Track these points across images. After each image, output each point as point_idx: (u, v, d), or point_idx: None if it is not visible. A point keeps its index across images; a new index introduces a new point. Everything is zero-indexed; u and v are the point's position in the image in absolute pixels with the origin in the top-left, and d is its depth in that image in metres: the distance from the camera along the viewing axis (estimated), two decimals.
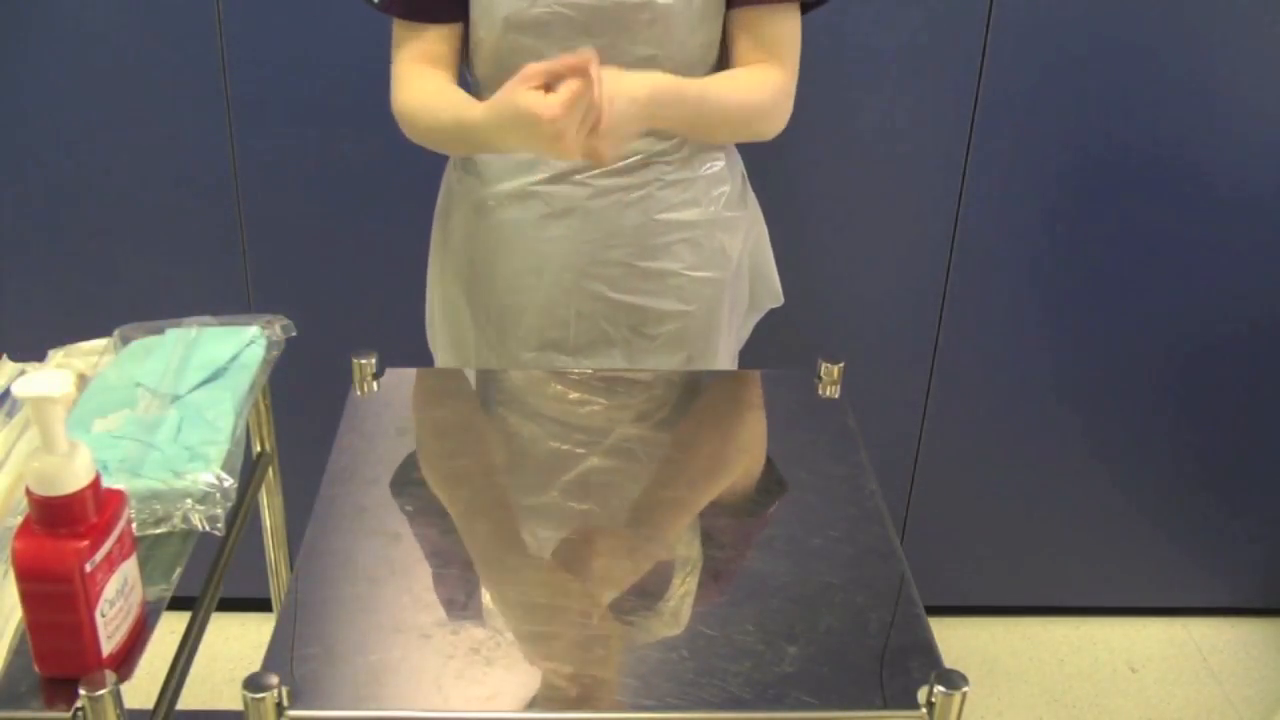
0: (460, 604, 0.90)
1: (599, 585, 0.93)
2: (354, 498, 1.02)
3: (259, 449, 1.25)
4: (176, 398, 1.07)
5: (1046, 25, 1.76)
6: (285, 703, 0.78)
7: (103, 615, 0.80)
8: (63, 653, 0.80)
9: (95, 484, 0.80)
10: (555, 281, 1.33)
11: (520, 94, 1.09)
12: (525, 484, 1.07)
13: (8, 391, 1.09)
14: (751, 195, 1.44)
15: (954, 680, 0.79)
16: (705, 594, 0.92)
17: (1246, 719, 2.05)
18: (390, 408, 1.17)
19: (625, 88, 1.12)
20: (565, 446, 1.11)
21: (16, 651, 0.83)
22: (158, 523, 0.95)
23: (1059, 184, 1.88)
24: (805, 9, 1.30)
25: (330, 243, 1.87)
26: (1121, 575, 2.21)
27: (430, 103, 1.27)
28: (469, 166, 1.37)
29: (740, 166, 1.42)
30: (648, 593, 0.92)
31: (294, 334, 1.20)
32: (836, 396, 1.20)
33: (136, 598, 0.85)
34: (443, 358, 1.49)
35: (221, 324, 1.19)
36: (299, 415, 1.44)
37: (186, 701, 0.95)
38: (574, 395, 1.20)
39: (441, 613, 0.88)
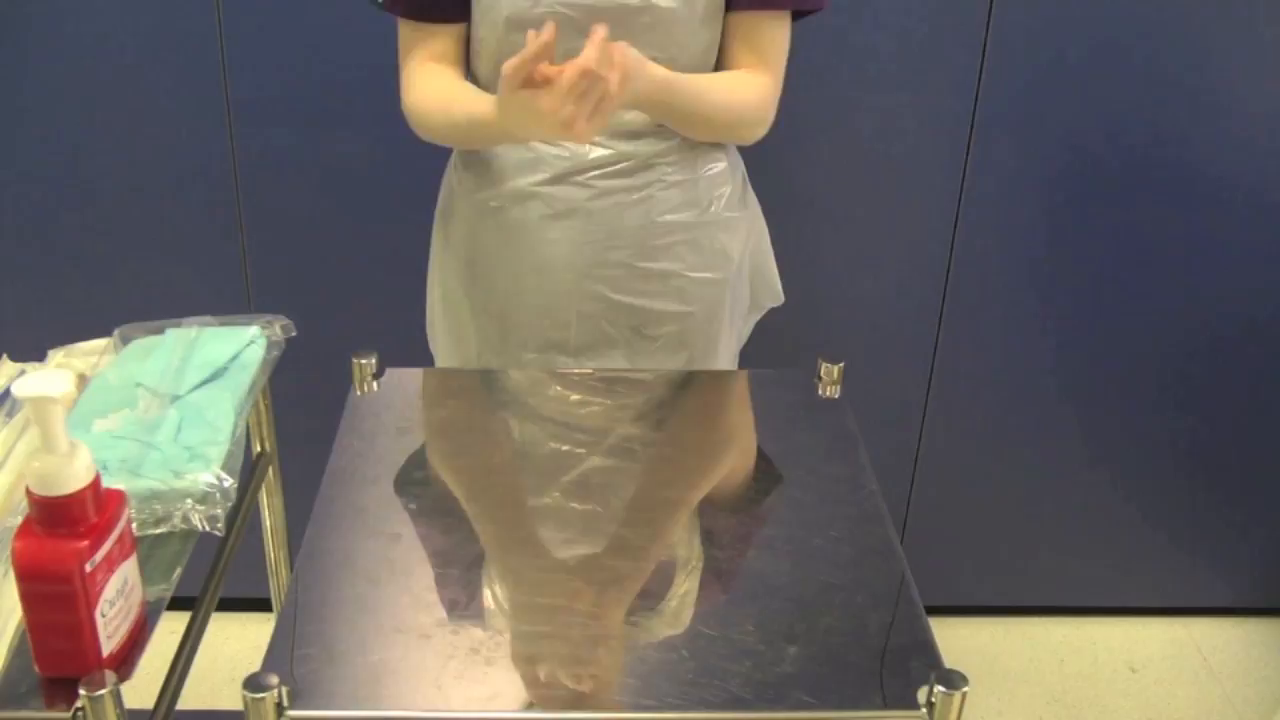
0: (460, 604, 0.90)
1: (599, 585, 0.93)
2: (354, 498, 1.02)
3: (259, 449, 1.25)
4: (176, 398, 1.07)
5: (1046, 26, 1.76)
6: (285, 703, 0.78)
7: (103, 615, 0.80)
8: (63, 653, 0.80)
9: (95, 484, 0.80)
10: (556, 282, 1.33)
11: (519, 97, 1.10)
12: (526, 484, 1.07)
13: (8, 391, 1.09)
14: (752, 196, 1.44)
15: (954, 680, 0.79)
16: (705, 594, 0.92)
17: (1246, 719, 2.05)
18: (390, 408, 1.17)
19: (647, 70, 1.15)
20: (566, 447, 1.11)
21: (16, 651, 0.83)
22: (158, 523, 0.95)
23: (1059, 184, 1.88)
24: (796, 18, 1.31)
25: (330, 243, 1.87)
26: (1121, 575, 2.21)
27: (443, 101, 1.28)
28: (470, 167, 1.37)
29: (741, 167, 1.42)
30: (648, 593, 0.92)
31: (294, 334, 1.21)
32: (836, 396, 1.20)
33: (136, 598, 0.85)
34: (443, 358, 1.49)
35: (221, 324, 1.20)
36: (299, 415, 1.44)
37: (186, 701, 0.95)
38: (574, 395, 1.20)
39: (441, 613, 0.88)
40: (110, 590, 0.81)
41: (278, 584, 1.37)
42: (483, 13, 1.25)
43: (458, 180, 1.39)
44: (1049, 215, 1.90)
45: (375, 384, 1.19)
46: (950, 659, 0.83)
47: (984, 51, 1.78)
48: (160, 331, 1.18)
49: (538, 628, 0.88)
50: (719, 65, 1.31)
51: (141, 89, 1.76)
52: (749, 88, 1.29)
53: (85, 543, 0.78)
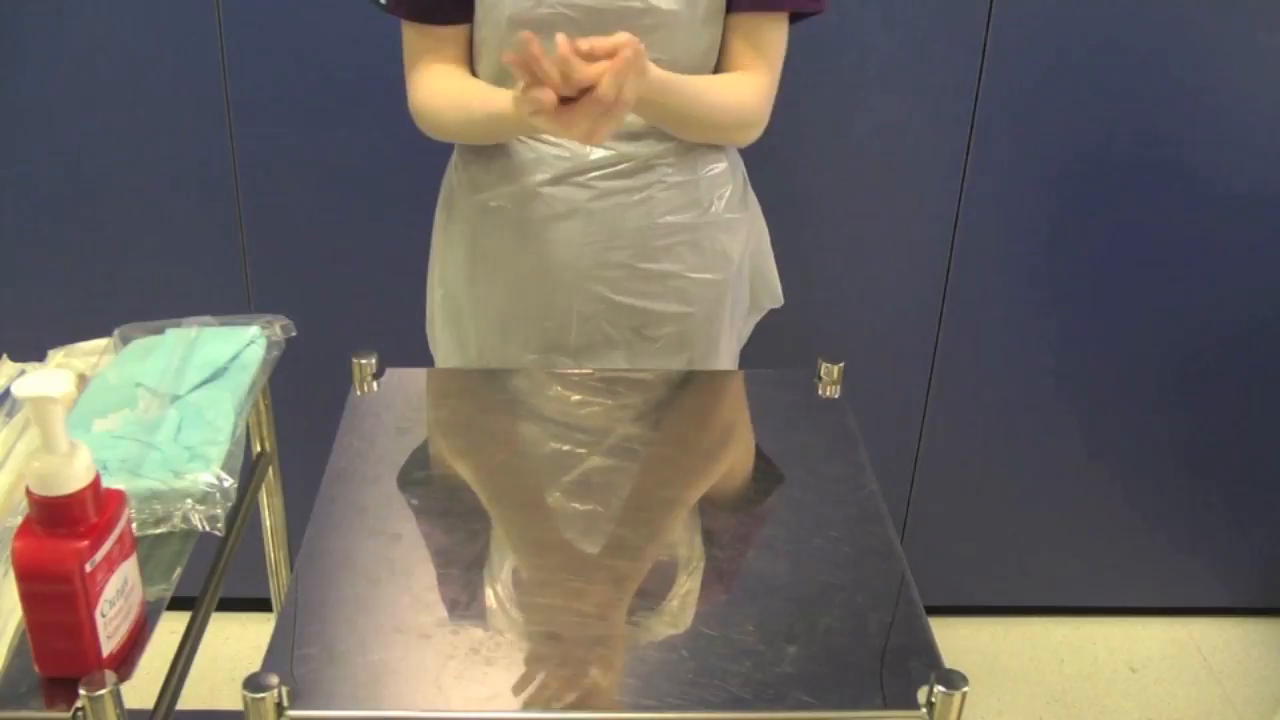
0: (460, 604, 0.90)
1: (599, 585, 0.93)
2: (354, 498, 1.02)
3: (259, 449, 1.25)
4: (176, 398, 1.07)
5: (1046, 25, 1.76)
6: (285, 703, 0.78)
7: (103, 615, 0.80)
8: (63, 653, 0.80)
9: (95, 484, 0.80)
10: (557, 283, 1.33)
11: (532, 116, 1.11)
12: (526, 484, 1.07)
13: (8, 391, 1.09)
14: (752, 196, 1.44)
15: (954, 680, 0.79)
16: (706, 594, 0.92)
17: (1246, 719, 2.05)
18: (390, 408, 1.17)
19: (649, 71, 1.15)
20: (566, 447, 1.11)
21: (16, 651, 0.83)
22: (158, 523, 0.95)
23: (1059, 184, 1.88)
24: (794, 20, 1.31)
25: (330, 243, 1.87)
26: (1121, 575, 2.21)
27: (459, 99, 1.28)
28: (470, 167, 1.37)
29: (741, 168, 1.42)
30: (648, 593, 0.92)
31: (294, 334, 1.21)
32: (836, 396, 1.20)
33: (136, 598, 0.85)
34: (443, 358, 1.49)
35: (221, 324, 1.20)
36: (299, 415, 1.44)
37: (186, 701, 0.95)
38: (575, 396, 1.20)
39: (441, 613, 0.88)
40: (110, 590, 0.81)
41: (278, 584, 1.37)
42: (485, 12, 1.25)
43: (458, 180, 1.39)
44: (1049, 215, 1.90)
45: (375, 384, 1.19)
46: (950, 659, 0.83)
47: (984, 51, 1.78)
48: (160, 331, 1.18)
49: (538, 628, 0.88)
50: (715, 67, 1.31)
51: (141, 89, 1.76)
52: (745, 89, 1.29)
53: (85, 543, 0.78)
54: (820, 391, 1.20)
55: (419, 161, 1.46)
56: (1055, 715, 2.05)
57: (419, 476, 1.07)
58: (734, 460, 1.14)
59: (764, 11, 1.27)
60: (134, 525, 0.88)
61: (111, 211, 1.83)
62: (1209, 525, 2.16)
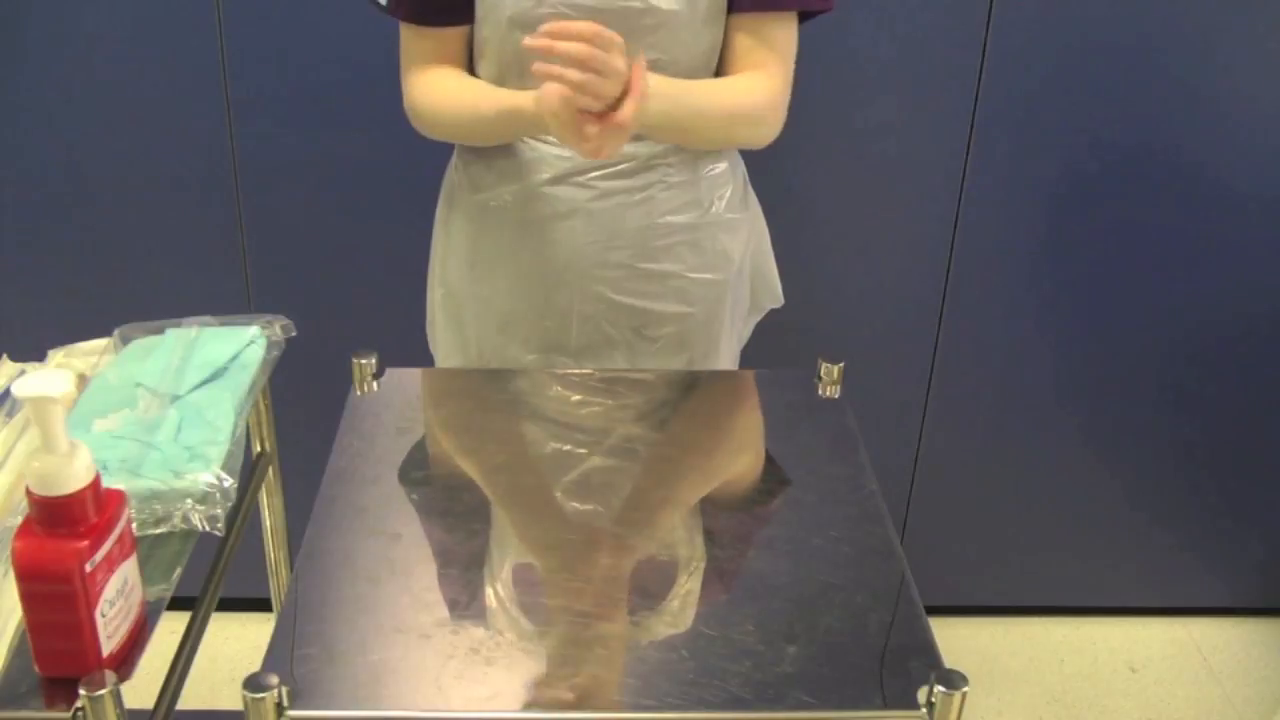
0: (460, 604, 0.90)
1: (599, 585, 0.93)
2: (354, 498, 1.02)
3: (259, 449, 1.25)
4: (176, 398, 1.07)
5: (1046, 25, 1.76)
6: (285, 703, 0.78)
7: (103, 615, 0.80)
8: (63, 653, 0.80)
9: (95, 484, 0.80)
10: (557, 283, 1.33)
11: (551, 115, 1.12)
12: (526, 484, 1.07)
13: (8, 391, 1.09)
14: (753, 196, 1.44)
15: (954, 680, 0.79)
16: (705, 594, 0.92)
17: (1246, 719, 2.05)
18: (390, 408, 1.17)
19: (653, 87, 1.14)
20: (566, 447, 1.11)
21: (16, 651, 0.83)
22: (158, 523, 0.95)
23: (1059, 184, 1.88)
24: (803, 19, 1.30)
25: (330, 243, 1.87)
26: (1121, 575, 2.21)
27: (464, 98, 1.28)
28: (471, 167, 1.37)
29: (742, 168, 1.42)
30: (648, 593, 0.92)
31: (294, 334, 1.20)
32: (836, 396, 1.20)
33: (136, 598, 0.85)
34: (443, 358, 1.49)
35: (221, 324, 1.19)
36: (299, 415, 1.44)
37: (186, 701, 0.95)
38: (575, 396, 1.20)
39: (441, 613, 0.88)
40: (110, 590, 0.81)
41: (278, 584, 1.37)
42: (486, 12, 1.25)
43: (459, 180, 1.39)
44: (1049, 215, 1.90)
45: (375, 384, 1.19)
46: (950, 659, 0.83)
47: (984, 51, 1.78)
48: (160, 331, 1.18)
49: (538, 628, 0.88)
50: (725, 68, 1.30)
51: (142, 89, 1.76)
52: (755, 88, 1.28)
53: (85, 543, 0.78)
54: (820, 391, 1.20)
55: (419, 161, 1.46)
56: (1055, 715, 2.05)
57: (419, 476, 1.07)
58: (734, 460, 1.14)
59: (770, 11, 1.26)
60: (134, 525, 0.88)
61: (111, 211, 1.83)
62: (1209, 525, 2.16)
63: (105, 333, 1.19)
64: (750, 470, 1.12)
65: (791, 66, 1.31)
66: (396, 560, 0.94)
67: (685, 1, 1.23)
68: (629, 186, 1.30)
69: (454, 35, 1.30)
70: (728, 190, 1.36)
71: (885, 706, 0.80)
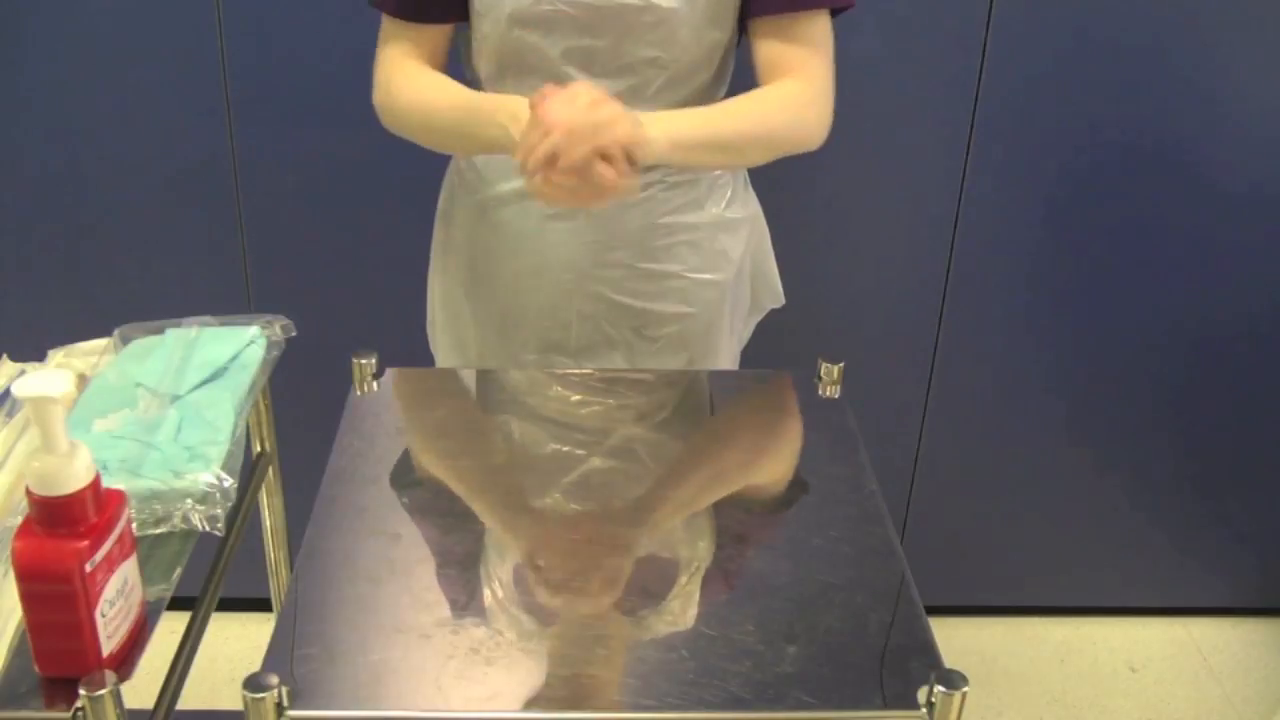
0: (460, 604, 0.90)
1: (599, 585, 0.93)
2: (354, 498, 1.02)
3: (259, 449, 1.25)
4: (176, 398, 1.07)
5: (1046, 25, 1.76)
6: (285, 703, 0.78)
7: (103, 615, 0.80)
8: (63, 653, 0.80)
9: (95, 484, 0.80)
10: (557, 283, 1.33)
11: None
12: (526, 484, 1.07)
13: (8, 391, 1.09)
14: (753, 197, 1.44)
15: (954, 680, 0.79)
16: (705, 594, 0.92)
17: (1246, 719, 2.05)
18: (390, 408, 1.17)
19: (649, 132, 1.12)
20: (566, 447, 1.11)
21: (16, 651, 0.83)
22: (158, 523, 0.95)
23: (1059, 184, 1.88)
24: (834, 13, 1.27)
25: (330, 243, 1.87)
26: (1121, 575, 2.21)
27: (439, 93, 1.26)
28: (471, 167, 1.36)
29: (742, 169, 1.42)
30: (648, 593, 0.92)
31: (294, 334, 1.20)
32: (836, 396, 1.20)
33: (136, 598, 0.85)
34: (443, 358, 1.49)
35: (221, 324, 1.19)
36: (299, 415, 1.44)
37: (186, 701, 0.95)
38: (575, 396, 1.20)
39: (441, 613, 0.88)
40: (110, 590, 0.81)
41: (278, 584, 1.37)
42: (486, 9, 1.25)
43: (459, 180, 1.39)
44: (1049, 215, 1.90)
45: (375, 384, 1.19)
46: (950, 659, 0.83)
47: (984, 51, 1.78)
48: (160, 331, 1.18)
49: (538, 628, 0.88)
50: (760, 75, 1.27)
51: (141, 88, 1.76)
52: (787, 101, 1.24)
53: (85, 543, 0.78)
54: (820, 391, 1.20)
55: (419, 161, 1.46)
56: (1055, 715, 2.05)
57: (419, 476, 1.07)
58: (734, 460, 1.14)
59: (801, 11, 1.23)
60: (134, 525, 0.88)
61: (111, 211, 1.83)
62: (1209, 525, 2.16)
63: (105, 333, 1.19)
64: (750, 470, 1.12)
65: (830, 62, 1.27)
66: (396, 560, 0.94)
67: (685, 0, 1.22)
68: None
69: (435, 32, 1.29)
70: (728, 190, 1.36)
71: (885, 706, 0.80)
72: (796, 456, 1.13)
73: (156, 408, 1.05)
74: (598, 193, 1.09)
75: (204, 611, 1.03)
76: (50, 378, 0.79)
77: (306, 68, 1.75)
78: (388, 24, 1.30)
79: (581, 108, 1.08)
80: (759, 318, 1.53)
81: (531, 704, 0.80)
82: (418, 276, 1.51)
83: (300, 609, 0.89)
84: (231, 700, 0.82)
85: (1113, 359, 2.01)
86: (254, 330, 1.18)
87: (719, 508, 1.05)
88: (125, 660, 0.83)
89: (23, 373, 1.14)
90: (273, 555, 1.35)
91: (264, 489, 1.27)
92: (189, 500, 0.95)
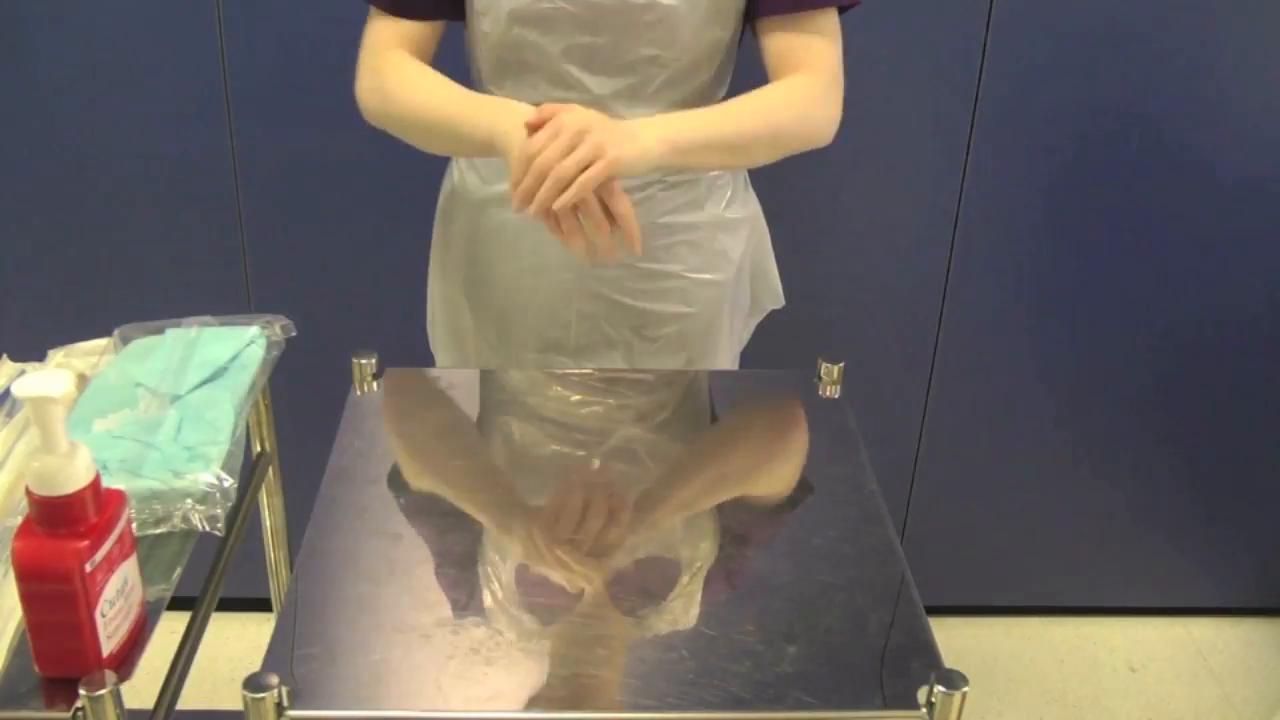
0: (460, 604, 0.90)
1: (599, 585, 0.93)
2: (354, 498, 1.02)
3: (259, 449, 1.25)
4: (176, 398, 1.07)
5: (1046, 25, 1.76)
6: (285, 703, 0.78)
7: (103, 615, 0.80)
8: (63, 653, 0.80)
9: (95, 484, 0.80)
10: (556, 282, 1.33)
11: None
12: (526, 484, 1.07)
13: (8, 391, 1.09)
14: (753, 197, 1.44)
15: (954, 680, 0.79)
16: (705, 594, 0.92)
17: (1246, 719, 2.05)
18: (390, 408, 1.17)
19: (643, 144, 1.12)
20: (566, 447, 1.11)
21: (16, 651, 0.83)
22: (158, 523, 0.95)
23: (1059, 184, 1.88)
24: (842, 10, 1.27)
25: (330, 243, 1.87)
26: (1121, 575, 2.21)
27: (425, 92, 1.25)
28: (471, 167, 1.36)
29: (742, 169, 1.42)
30: (648, 593, 0.92)
31: (294, 334, 1.20)
32: (836, 396, 1.20)
33: (136, 598, 0.85)
34: (443, 358, 1.49)
35: (221, 324, 1.19)
36: (299, 415, 1.44)
37: (186, 701, 0.95)
38: (575, 396, 1.20)
39: (441, 613, 0.88)
40: (110, 590, 0.81)
41: (278, 584, 1.37)
42: (485, 7, 1.25)
43: (459, 180, 1.39)
44: (1049, 215, 1.90)
45: (375, 384, 1.19)
46: (950, 659, 0.83)
47: (984, 51, 1.78)
48: (160, 331, 1.18)
49: (538, 628, 0.87)
50: (770, 72, 1.27)
51: (141, 88, 1.76)
52: (794, 96, 1.24)
53: (85, 543, 0.78)
54: (820, 391, 1.20)
55: (419, 161, 1.45)
56: (1055, 715, 2.05)
57: (419, 476, 1.07)
58: (734, 460, 1.14)
59: (793, 13, 1.24)
60: (134, 525, 0.88)
61: (111, 211, 1.83)
62: (1208, 526, 2.16)
63: (105, 333, 1.19)
64: (750, 470, 1.12)
65: (839, 56, 1.27)
66: (396, 560, 0.94)
67: None
68: (628, 186, 1.30)
69: (426, 29, 1.28)
70: (728, 190, 1.36)
71: (885, 706, 0.80)
72: (796, 457, 1.13)
73: (156, 408, 1.05)
74: (601, 225, 1.11)
75: (204, 611, 1.03)
76: (50, 378, 0.79)
77: (306, 67, 1.75)
78: (377, 18, 1.30)
79: (561, 146, 1.08)
80: (759, 318, 1.53)
81: (531, 704, 0.80)
82: (418, 276, 1.51)
83: (300, 609, 0.89)
84: (231, 700, 0.82)
85: (1112, 359, 2.01)
86: (254, 330, 1.18)
87: (719, 508, 1.05)
88: (125, 660, 0.83)
89: (23, 373, 1.14)
90: (273, 555, 1.35)
91: (264, 489, 1.27)
92: (189, 500, 0.95)
